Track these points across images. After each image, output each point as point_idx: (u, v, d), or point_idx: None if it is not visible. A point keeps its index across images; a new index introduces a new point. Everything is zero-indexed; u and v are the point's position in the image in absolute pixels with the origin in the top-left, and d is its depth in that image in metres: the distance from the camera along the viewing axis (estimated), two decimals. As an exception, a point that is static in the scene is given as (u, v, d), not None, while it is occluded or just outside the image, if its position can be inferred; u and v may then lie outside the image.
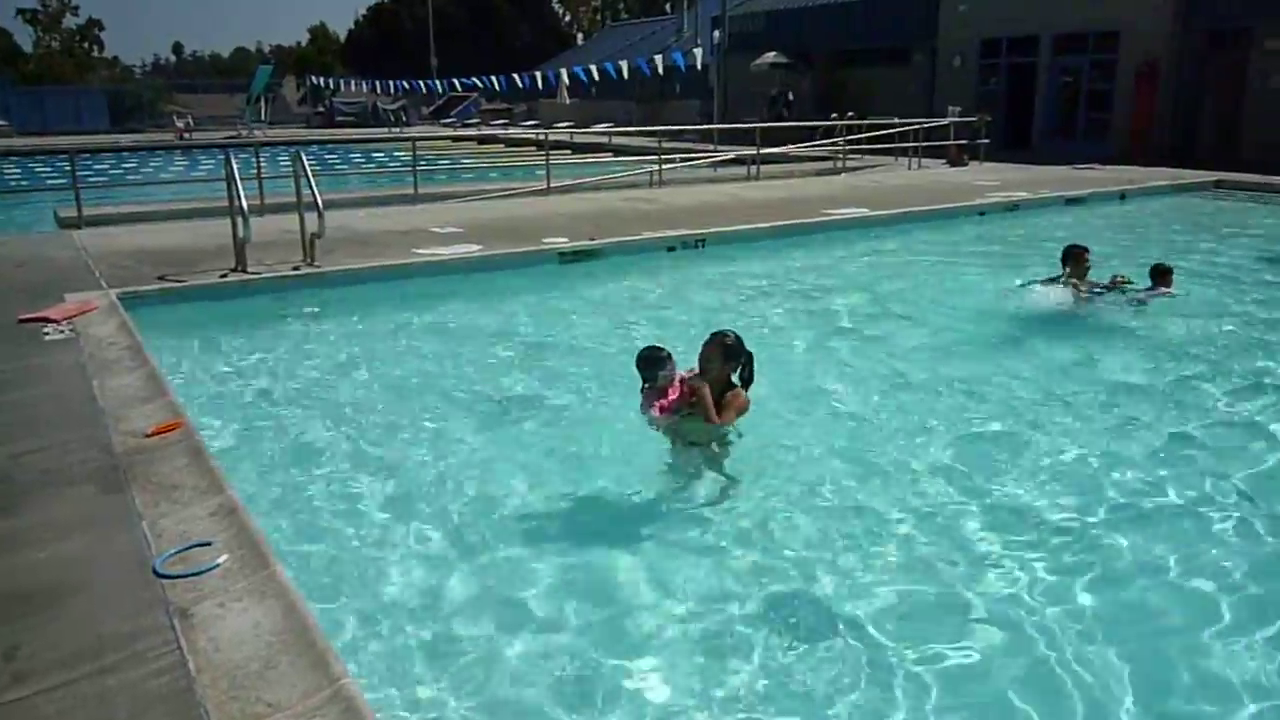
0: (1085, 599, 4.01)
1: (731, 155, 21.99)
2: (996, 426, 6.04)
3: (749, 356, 5.06)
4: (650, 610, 3.90)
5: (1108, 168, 21.20)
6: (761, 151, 20.57)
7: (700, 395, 4.89)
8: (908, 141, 22.39)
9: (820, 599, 4.00)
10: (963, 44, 29.03)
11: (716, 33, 36.30)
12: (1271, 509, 4.86)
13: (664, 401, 5.14)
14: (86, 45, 74.52)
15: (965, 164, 22.29)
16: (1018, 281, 9.35)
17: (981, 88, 28.73)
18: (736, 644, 3.67)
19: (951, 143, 22.80)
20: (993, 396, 6.60)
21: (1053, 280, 8.94)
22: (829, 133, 23.74)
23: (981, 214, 15.00)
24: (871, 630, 3.76)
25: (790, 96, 33.72)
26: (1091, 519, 4.73)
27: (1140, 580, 4.19)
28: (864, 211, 14.13)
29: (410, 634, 3.73)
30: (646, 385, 5.22)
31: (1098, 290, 8.80)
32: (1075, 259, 8.86)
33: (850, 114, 24.82)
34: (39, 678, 2.81)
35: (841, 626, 3.79)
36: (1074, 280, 8.78)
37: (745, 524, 4.60)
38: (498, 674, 3.50)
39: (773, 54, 34.59)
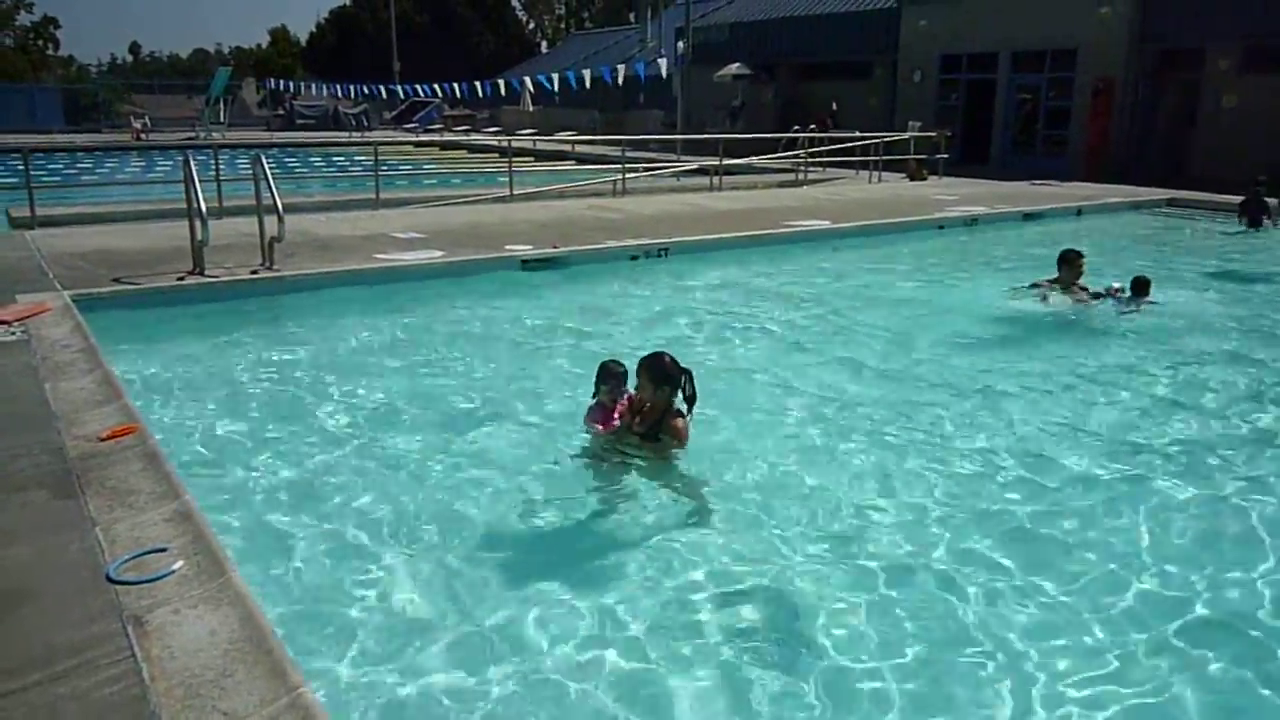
0: (1082, 602, 4.04)
1: (695, 165, 22.07)
2: (993, 428, 6.15)
3: (688, 376, 5.04)
4: (591, 623, 3.87)
5: (1065, 184, 21.56)
6: (724, 162, 20.66)
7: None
8: (868, 155, 22.63)
9: (769, 602, 4.02)
10: (923, 59, 29.41)
11: (681, 43, 36.44)
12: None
13: (607, 416, 5.23)
14: (41, 43, 73.21)
15: (924, 178, 22.57)
16: (1014, 286, 9.57)
17: (941, 103, 29.12)
18: (690, 654, 3.67)
19: (911, 157, 23.07)
20: (989, 398, 6.75)
21: (1048, 284, 9.23)
22: (791, 145, 23.92)
23: (940, 228, 15.22)
24: (838, 640, 3.78)
25: (740, 104, 33.96)
26: (1087, 516, 4.82)
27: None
28: (826, 224, 14.24)
29: (368, 642, 3.69)
30: (595, 399, 5.29)
31: (1092, 296, 9.15)
32: (1070, 263, 9.19)
33: (812, 126, 25.03)
34: (-13, 686, 2.75)
35: (801, 631, 3.82)
36: (1069, 284, 9.05)
37: (691, 538, 4.56)
38: (459, 683, 3.47)
39: (736, 65, 34.84)
